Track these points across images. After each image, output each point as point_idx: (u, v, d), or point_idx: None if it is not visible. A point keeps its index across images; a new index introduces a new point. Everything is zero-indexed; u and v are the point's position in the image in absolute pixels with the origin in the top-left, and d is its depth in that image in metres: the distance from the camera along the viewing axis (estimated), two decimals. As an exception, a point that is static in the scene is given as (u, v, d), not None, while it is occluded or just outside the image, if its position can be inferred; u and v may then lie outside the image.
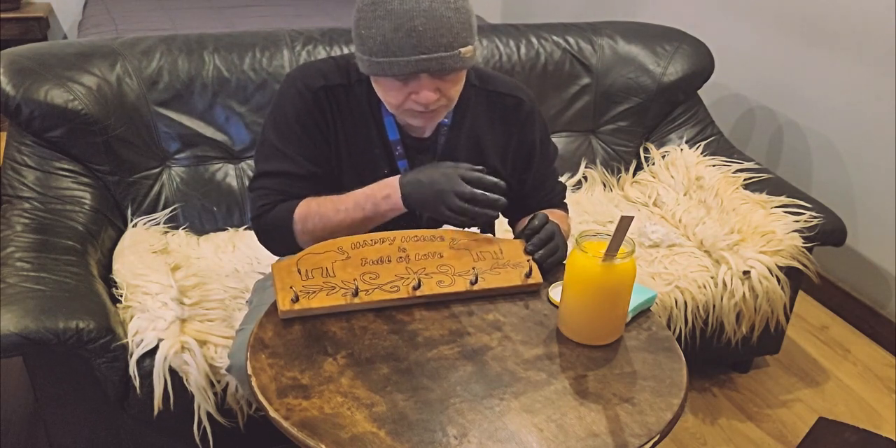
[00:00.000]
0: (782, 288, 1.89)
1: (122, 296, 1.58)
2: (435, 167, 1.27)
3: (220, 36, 2.03)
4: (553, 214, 1.44)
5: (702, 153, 2.24)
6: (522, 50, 2.23)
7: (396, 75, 1.20)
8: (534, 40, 2.25)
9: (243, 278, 1.77)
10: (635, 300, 1.24)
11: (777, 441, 1.95)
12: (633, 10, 3.25)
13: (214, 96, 1.94)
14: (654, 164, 2.29)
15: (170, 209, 1.91)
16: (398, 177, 1.29)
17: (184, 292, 1.63)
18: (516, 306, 1.28)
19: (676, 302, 1.82)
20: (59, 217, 1.71)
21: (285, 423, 1.01)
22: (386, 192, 1.28)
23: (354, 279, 1.24)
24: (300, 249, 1.27)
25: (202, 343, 1.52)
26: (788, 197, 2.01)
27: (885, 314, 2.34)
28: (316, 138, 1.36)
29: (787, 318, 2.00)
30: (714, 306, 1.86)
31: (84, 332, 1.39)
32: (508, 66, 2.21)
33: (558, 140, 2.29)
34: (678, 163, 2.22)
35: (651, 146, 2.32)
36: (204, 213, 1.96)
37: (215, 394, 1.52)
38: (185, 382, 1.49)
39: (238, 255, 1.86)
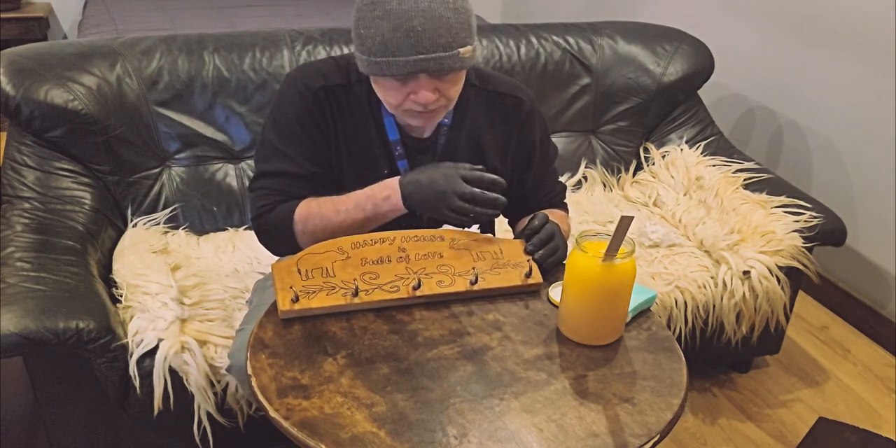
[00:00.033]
0: (782, 288, 1.89)
1: (122, 296, 1.58)
2: (434, 167, 1.27)
3: (220, 36, 2.03)
4: (553, 214, 1.44)
5: (702, 153, 2.24)
6: (522, 50, 2.23)
7: (395, 75, 1.20)
8: (534, 40, 2.25)
9: (243, 278, 1.77)
10: (635, 300, 1.24)
11: (777, 441, 1.95)
12: (633, 10, 3.25)
13: (214, 96, 1.94)
14: (654, 164, 2.29)
15: (170, 209, 1.91)
16: (398, 178, 1.29)
17: (184, 292, 1.63)
18: (516, 306, 1.28)
19: (676, 302, 1.82)
20: (59, 217, 1.71)
21: (285, 423, 1.01)
22: (386, 193, 1.28)
23: (354, 279, 1.24)
24: (300, 250, 1.27)
25: (202, 343, 1.52)
26: (788, 197, 2.01)
27: (885, 314, 2.34)
28: (316, 138, 1.35)
29: (787, 318, 2.00)
30: (714, 306, 1.86)
31: (84, 332, 1.39)
32: (508, 66, 2.21)
33: (558, 140, 2.29)
34: (678, 163, 2.22)
35: (651, 146, 2.32)
36: (204, 213, 1.96)
37: (215, 394, 1.52)
38: (185, 382, 1.49)
39: (238, 255, 1.86)
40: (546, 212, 1.40)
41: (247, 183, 1.94)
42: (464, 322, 1.23)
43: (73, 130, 1.78)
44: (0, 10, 3.62)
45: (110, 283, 1.64)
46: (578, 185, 2.30)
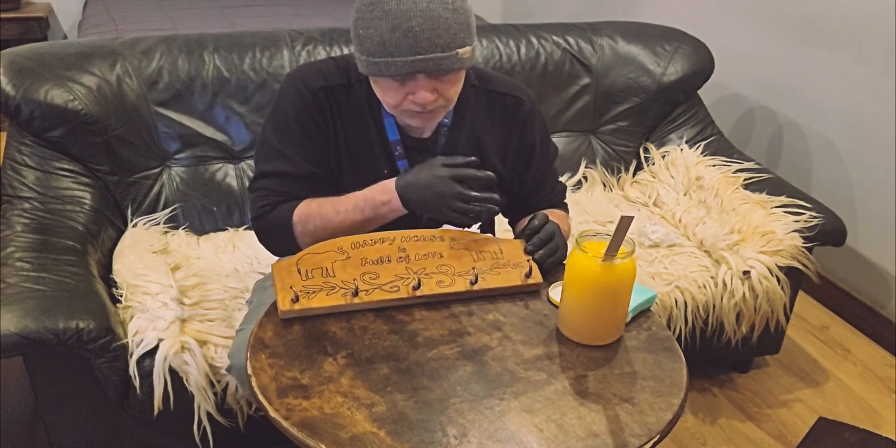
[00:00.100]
0: (782, 288, 1.89)
1: (122, 296, 1.58)
2: (429, 168, 1.26)
3: (220, 36, 2.03)
4: (553, 214, 1.44)
5: (702, 153, 2.24)
6: (522, 50, 2.23)
7: (393, 75, 1.20)
8: (534, 40, 2.25)
9: (243, 278, 1.77)
10: (635, 300, 1.24)
11: (777, 441, 1.95)
12: (633, 10, 3.25)
13: (214, 96, 1.94)
14: (654, 164, 2.29)
15: (170, 209, 1.91)
16: (394, 180, 1.29)
17: (184, 292, 1.63)
18: (516, 306, 1.28)
19: (676, 302, 1.82)
20: (59, 217, 1.71)
21: (285, 423, 1.01)
22: (385, 197, 1.28)
23: (354, 279, 1.24)
24: (300, 250, 1.27)
25: (202, 343, 1.52)
26: (788, 197, 2.01)
27: (885, 314, 2.34)
28: (316, 139, 1.35)
29: (787, 318, 2.00)
30: (714, 306, 1.86)
31: (84, 332, 1.39)
32: (508, 66, 2.21)
33: (558, 140, 2.29)
34: (678, 163, 2.22)
35: (651, 146, 2.32)
36: (204, 213, 1.96)
37: (215, 394, 1.52)
38: (185, 382, 1.49)
39: (238, 255, 1.86)
40: (546, 212, 1.40)
41: (247, 183, 1.94)
42: (464, 322, 1.23)
43: (73, 130, 1.78)
44: (0, 10, 3.62)
45: (110, 283, 1.64)
46: (578, 185, 2.30)
